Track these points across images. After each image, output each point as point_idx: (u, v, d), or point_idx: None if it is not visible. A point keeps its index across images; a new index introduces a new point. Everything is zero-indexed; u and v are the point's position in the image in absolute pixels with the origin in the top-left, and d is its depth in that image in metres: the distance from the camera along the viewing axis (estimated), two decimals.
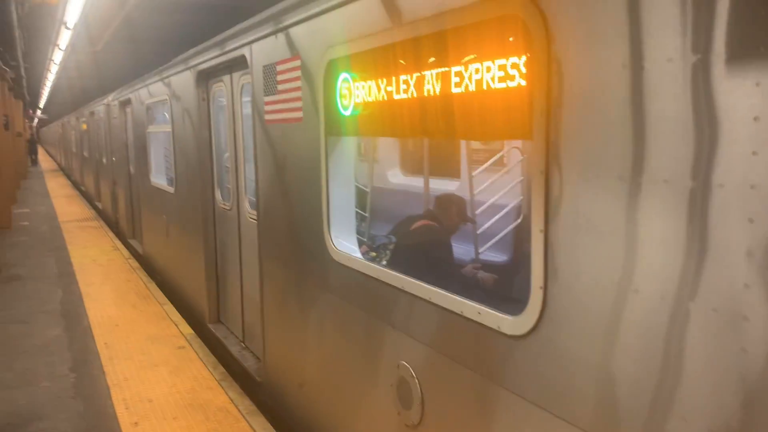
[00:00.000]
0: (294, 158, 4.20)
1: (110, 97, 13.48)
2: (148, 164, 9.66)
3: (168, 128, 8.00)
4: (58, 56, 17.00)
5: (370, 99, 3.16)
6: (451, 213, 4.72)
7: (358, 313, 3.49)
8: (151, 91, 9.00)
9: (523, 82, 2.21)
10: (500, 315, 2.35)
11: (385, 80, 3.02)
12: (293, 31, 4.03)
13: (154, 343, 6.50)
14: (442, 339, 2.74)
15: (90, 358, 6.13)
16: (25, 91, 29.62)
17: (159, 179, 9.41)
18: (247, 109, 5.53)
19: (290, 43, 4.07)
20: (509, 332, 2.30)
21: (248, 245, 5.72)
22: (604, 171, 1.89)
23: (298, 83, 3.95)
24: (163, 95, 8.08)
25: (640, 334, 1.80)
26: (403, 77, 2.88)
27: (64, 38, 13.18)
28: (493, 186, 5.71)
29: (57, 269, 10.29)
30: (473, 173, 5.80)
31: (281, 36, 4.21)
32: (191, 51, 6.88)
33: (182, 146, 7.34)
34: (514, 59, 2.24)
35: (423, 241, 4.42)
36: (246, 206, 5.73)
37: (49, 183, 27.02)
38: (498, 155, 5.78)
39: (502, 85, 2.30)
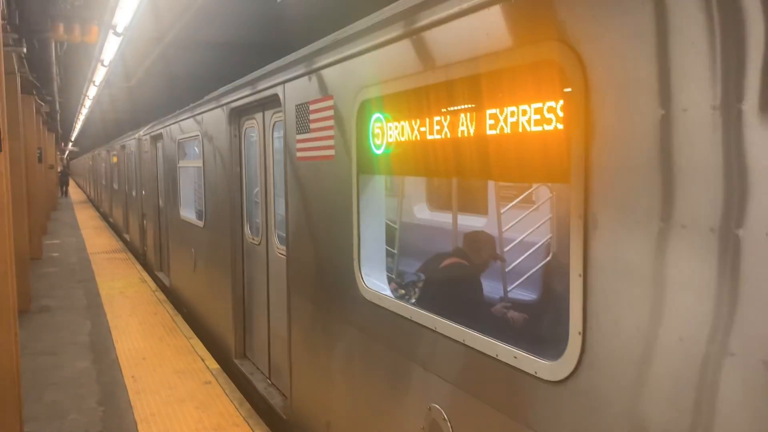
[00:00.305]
0: (325, 195, 4.25)
1: (142, 132, 13.81)
2: (178, 198, 9.82)
3: (199, 163, 8.16)
4: (92, 91, 17.54)
5: (402, 138, 3.22)
6: (481, 251, 4.70)
7: (388, 353, 3.47)
8: (183, 126, 9.21)
9: (560, 126, 2.23)
10: (537, 360, 2.33)
11: (418, 121, 3.07)
12: (326, 72, 4.12)
13: (180, 378, 6.52)
14: (476, 382, 2.71)
15: (118, 392, 6.17)
16: (58, 124, 30.49)
17: (188, 213, 9.56)
18: (278, 146, 5.63)
19: (323, 84, 4.16)
20: (546, 377, 2.27)
21: (276, 280, 5.75)
22: (644, 216, 1.88)
23: (331, 122, 4.02)
24: (195, 131, 8.26)
25: (681, 382, 1.77)
26: (436, 118, 2.93)
27: (100, 74, 13.63)
28: (521, 223, 5.68)
29: (86, 301, 10.43)
30: (501, 210, 5.78)
31: (314, 77, 4.30)
32: (224, 89, 7.04)
33: (213, 181, 7.46)
34: (550, 103, 2.26)
35: (452, 279, 4.39)
36: (275, 241, 5.77)
37: (78, 214, 27.56)
38: (526, 192, 5.77)
39: (538, 128, 2.32)
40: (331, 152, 4.04)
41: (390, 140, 3.34)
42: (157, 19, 9.84)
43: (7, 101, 4.63)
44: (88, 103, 21.86)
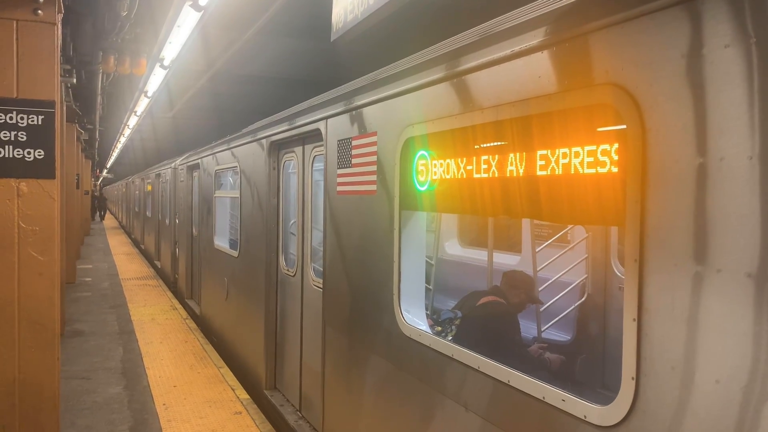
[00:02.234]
0: (365, 229, 4.28)
1: (178, 161, 14.09)
2: (213, 227, 9.96)
3: (236, 194, 8.27)
4: (132, 121, 18.08)
5: (448, 176, 3.25)
6: (519, 291, 4.69)
7: (427, 390, 3.44)
8: (220, 158, 9.37)
9: (615, 169, 2.24)
10: (587, 404, 2.31)
11: (465, 159, 3.11)
12: (370, 109, 4.20)
13: (211, 407, 6.55)
14: (520, 424, 2.68)
15: (149, 419, 6.21)
16: (96, 151, 31.35)
17: (222, 242, 9.66)
18: (316, 179, 5.71)
19: (367, 121, 4.24)
20: (597, 422, 2.24)
21: (310, 312, 5.77)
22: (701, 262, 1.89)
23: (374, 158, 4.09)
24: (233, 162, 8.40)
25: (738, 430, 1.76)
26: (484, 157, 2.96)
27: (142, 105, 14.08)
28: (555, 262, 5.68)
29: (118, 326, 10.54)
30: (536, 249, 5.76)
31: (358, 113, 4.39)
32: (264, 122, 7.18)
33: (249, 212, 7.56)
34: (604, 146, 2.29)
35: (490, 317, 4.38)
36: (310, 273, 5.81)
37: (110, 240, 28.09)
38: (562, 231, 5.75)
39: (592, 170, 2.34)
40: (373, 187, 4.09)
41: (434, 177, 3.38)
42: (203, 53, 10.19)
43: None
44: (127, 131, 22.51)
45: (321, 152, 5.28)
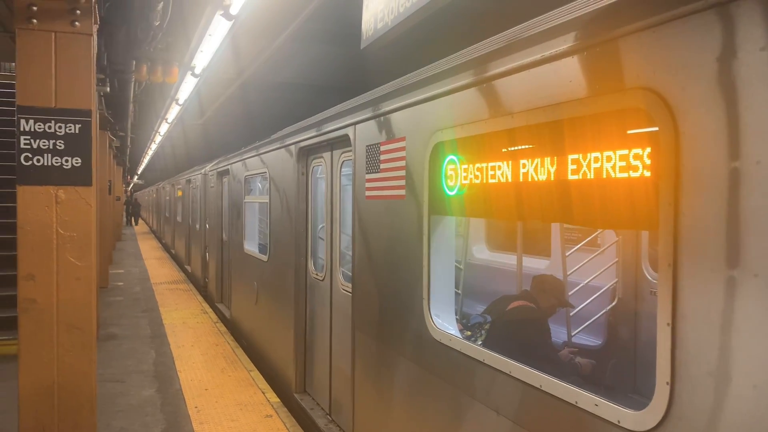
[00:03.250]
0: (394, 234, 4.30)
1: (208, 167, 14.23)
2: (243, 232, 10.05)
3: (265, 199, 8.36)
4: (163, 128, 18.40)
5: (477, 181, 3.26)
6: (550, 295, 4.66)
7: (458, 395, 3.45)
8: (250, 163, 9.47)
9: (647, 173, 2.24)
10: (621, 408, 2.30)
11: (495, 163, 3.11)
12: (398, 115, 4.22)
13: (242, 410, 6.63)
14: (553, 429, 2.67)
15: (182, 422, 6.32)
16: (127, 158, 31.95)
17: (252, 247, 9.75)
18: (345, 184, 5.76)
19: (396, 126, 4.27)
20: (630, 427, 2.23)
21: (339, 316, 5.81)
22: (737, 266, 1.87)
23: (403, 163, 4.11)
24: (263, 168, 8.52)
25: None
26: (514, 161, 2.96)
27: (173, 113, 14.33)
28: (586, 266, 5.62)
29: (150, 330, 10.71)
30: (566, 253, 5.71)
31: (386, 119, 4.42)
32: (293, 128, 7.25)
33: (278, 217, 7.64)
34: (637, 150, 2.28)
35: (520, 322, 4.37)
36: (339, 277, 5.86)
37: (141, 245, 28.58)
38: (592, 236, 5.71)
39: (624, 174, 2.33)
40: (402, 192, 4.11)
41: (464, 182, 3.39)
42: (234, 61, 10.34)
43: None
44: (157, 138, 22.91)
45: (349, 157, 5.32)
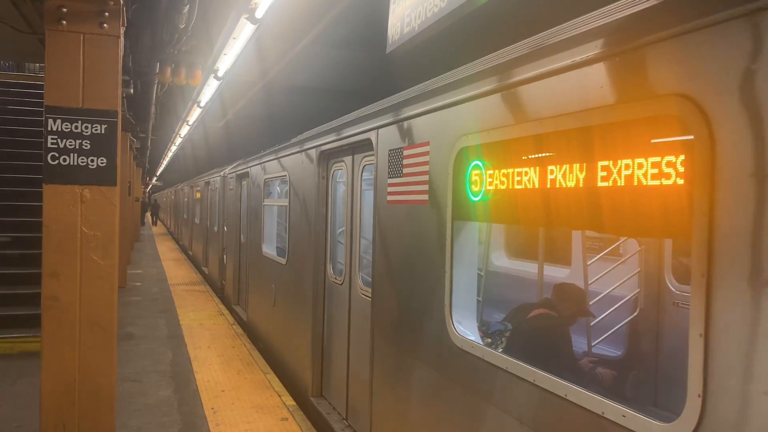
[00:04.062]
0: (416, 239, 4.27)
1: (227, 170, 14.23)
2: (261, 235, 10.04)
3: (285, 202, 8.34)
4: (184, 130, 18.55)
5: (503, 186, 3.23)
6: (571, 304, 4.61)
7: (479, 403, 3.42)
8: (270, 166, 9.48)
9: (680, 181, 2.21)
10: (650, 420, 2.26)
11: (521, 169, 3.09)
12: (422, 119, 4.20)
13: (258, 413, 6.62)
14: None
15: (198, 423, 6.32)
16: (146, 160, 32.24)
17: (270, 250, 9.74)
18: (365, 188, 5.75)
19: (419, 131, 4.25)
20: None
21: (357, 321, 5.79)
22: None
23: (426, 168, 4.08)
24: (283, 171, 8.51)
25: None
26: (542, 167, 2.94)
27: (194, 115, 14.45)
28: (607, 276, 5.55)
29: (167, 330, 10.74)
30: (587, 262, 5.63)
31: (409, 123, 4.40)
32: (314, 132, 7.24)
33: (297, 220, 7.62)
34: (670, 158, 2.25)
35: (541, 330, 4.32)
36: (358, 282, 5.82)
37: (158, 246, 28.79)
38: (614, 245, 5.62)
39: (656, 182, 2.30)
40: (425, 197, 4.09)
41: (489, 188, 3.36)
42: (257, 64, 10.40)
43: None
44: (178, 140, 23.11)
45: (371, 162, 5.30)
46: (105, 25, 4.75)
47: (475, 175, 3.50)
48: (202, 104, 12.57)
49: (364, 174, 5.75)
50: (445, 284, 3.75)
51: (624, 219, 2.54)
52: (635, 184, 2.39)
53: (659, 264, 5.18)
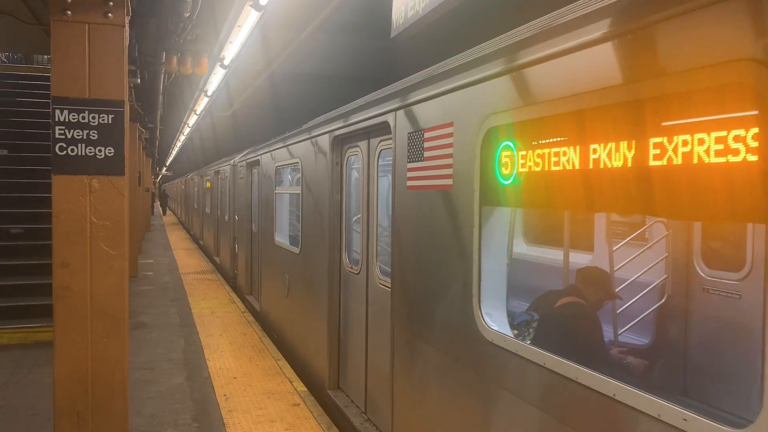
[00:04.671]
0: (439, 226, 3.96)
1: (237, 158, 13.89)
2: (273, 224, 9.73)
3: (297, 190, 8.03)
4: (192, 120, 18.56)
5: (538, 168, 2.94)
6: (597, 288, 4.38)
7: (513, 400, 3.17)
8: (281, 153, 9.15)
9: (752, 157, 1.95)
10: (719, 426, 2.01)
11: (561, 149, 2.79)
12: (445, 99, 3.88)
13: (270, 399, 6.62)
14: None
15: (210, 409, 6.34)
16: (156, 150, 32.34)
17: (283, 239, 9.44)
18: (382, 174, 5.53)
19: (442, 111, 3.91)
20: None
21: (376, 311, 5.53)
22: None
23: (450, 150, 3.78)
24: (295, 158, 8.19)
25: None
26: (583, 146, 2.65)
27: (202, 104, 14.44)
28: (632, 262, 5.31)
29: (179, 319, 10.74)
30: (612, 248, 5.38)
31: (431, 104, 4.09)
32: (326, 117, 6.91)
33: (311, 208, 7.31)
34: (738, 131, 1.99)
35: (572, 320, 4.07)
36: (376, 271, 5.52)
37: (169, 236, 28.90)
38: (641, 229, 5.36)
39: (721, 159, 2.04)
40: (449, 182, 3.78)
41: (521, 170, 3.07)
42: (262, 52, 10.36)
43: None
44: (186, 130, 23.14)
45: (388, 146, 5.05)
46: (110, 14, 4.72)
47: (506, 156, 3.20)
48: (209, 93, 12.54)
49: (380, 159, 5.51)
50: (473, 273, 3.47)
51: (681, 201, 2.26)
52: (695, 162, 2.12)
53: (688, 249, 4.95)
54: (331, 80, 12.27)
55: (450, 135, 3.80)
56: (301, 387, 7.01)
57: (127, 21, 4.92)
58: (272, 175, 9.79)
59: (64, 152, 4.64)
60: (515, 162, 3.12)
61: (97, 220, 4.69)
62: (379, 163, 5.51)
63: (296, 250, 8.07)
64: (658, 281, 5.12)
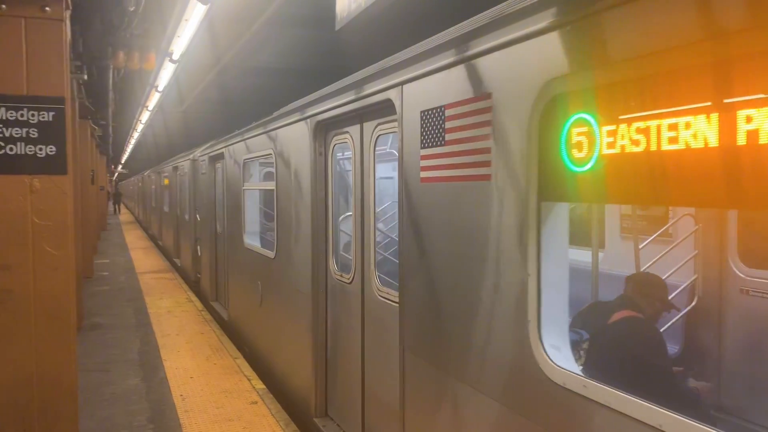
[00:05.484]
0: (471, 228, 3.01)
1: (198, 152, 12.47)
2: (242, 224, 8.45)
3: (271, 185, 6.87)
4: (144, 116, 18.15)
5: (638, 148, 2.08)
6: (652, 298, 3.62)
7: None
8: (250, 144, 7.89)
9: None
10: None
11: (681, 119, 1.92)
12: (479, 63, 2.92)
13: (228, 397, 6.31)
14: None
15: (167, 410, 6.02)
16: (110, 147, 31.57)
17: (254, 241, 8.27)
18: (380, 164, 4.69)
19: (473, 80, 2.97)
20: None
21: (375, 329, 4.53)
22: None
23: (487, 130, 2.84)
24: (267, 149, 7.02)
25: None
26: (724, 114, 1.80)
27: (153, 100, 14.13)
28: (652, 259, 4.67)
29: (135, 319, 10.14)
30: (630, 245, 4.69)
31: (456, 72, 3.09)
32: (305, 100, 5.80)
33: (289, 206, 6.21)
34: None
35: (633, 341, 3.26)
36: (374, 282, 4.51)
37: (126, 235, 28.10)
38: (669, 225, 4.67)
39: None
40: (485, 171, 2.87)
41: (607, 151, 2.20)
42: (212, 46, 10.17)
43: None
44: (139, 127, 22.60)
45: (389, 130, 4.13)
46: (47, 8, 4.51)
47: (579, 134, 2.28)
48: (160, 89, 12.25)
49: (378, 146, 4.57)
50: (528, 290, 2.55)
51: None
52: None
53: (721, 245, 4.28)
54: (284, 74, 12.11)
55: (487, 110, 2.83)
56: (260, 385, 6.84)
57: (67, 15, 4.72)
58: (240, 170, 8.52)
59: (2, 151, 4.41)
60: (596, 141, 2.23)
61: (39, 220, 4.51)
62: (376, 152, 4.55)
63: (271, 254, 6.93)
64: (686, 283, 4.48)
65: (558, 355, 2.45)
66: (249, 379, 6.82)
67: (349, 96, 4.57)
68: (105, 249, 21.05)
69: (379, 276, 4.52)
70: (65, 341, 4.50)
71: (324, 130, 5.38)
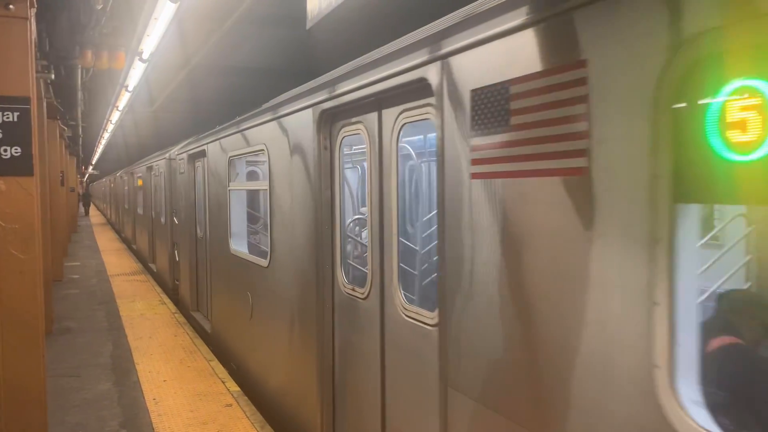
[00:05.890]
0: (553, 235, 2.42)
1: (174, 151, 12.09)
2: (228, 228, 7.83)
3: (264, 185, 6.31)
4: (115, 116, 17.90)
5: None
6: (754, 321, 3.08)
7: None
8: (236, 140, 7.34)
9: None
10: None
11: None
12: (567, 20, 2.31)
13: (202, 400, 6.46)
14: None
15: (139, 414, 6.11)
16: (80, 148, 31.06)
17: (242, 247, 7.70)
18: (404, 158, 4.41)
19: (555, 44, 2.40)
20: None
21: (400, 355, 3.90)
22: None
23: (580, 108, 2.24)
24: (259, 144, 6.41)
25: None
26: None
27: (123, 100, 13.93)
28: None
29: (107, 322, 10.37)
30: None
31: (527, 36, 2.53)
32: (305, 87, 5.27)
33: (286, 208, 5.63)
34: None
35: (742, 375, 2.76)
36: (399, 297, 3.88)
37: (98, 237, 27.81)
38: (718, 228, 4.19)
39: None
40: (579, 163, 2.25)
41: None
42: (182, 45, 10.07)
43: None
44: (110, 127, 22.29)
45: (418, 116, 3.61)
46: (11, 6, 4.46)
47: (744, 108, 1.74)
48: (130, 88, 12.13)
49: (401, 138, 4.04)
50: (655, 317, 1.96)
51: None
52: None
53: None
54: (260, 73, 12.07)
55: (582, 82, 2.23)
56: (234, 387, 6.87)
57: (32, 13, 4.67)
58: (224, 169, 7.91)
59: None
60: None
61: (4, 223, 4.45)
62: (399, 143, 4.02)
63: (264, 262, 6.36)
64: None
65: (700, 412, 1.88)
66: (223, 382, 6.83)
67: (364, 79, 3.98)
68: (76, 251, 20.88)
69: (403, 292, 3.93)
70: (33, 346, 4.44)
71: (329, 121, 4.81)
